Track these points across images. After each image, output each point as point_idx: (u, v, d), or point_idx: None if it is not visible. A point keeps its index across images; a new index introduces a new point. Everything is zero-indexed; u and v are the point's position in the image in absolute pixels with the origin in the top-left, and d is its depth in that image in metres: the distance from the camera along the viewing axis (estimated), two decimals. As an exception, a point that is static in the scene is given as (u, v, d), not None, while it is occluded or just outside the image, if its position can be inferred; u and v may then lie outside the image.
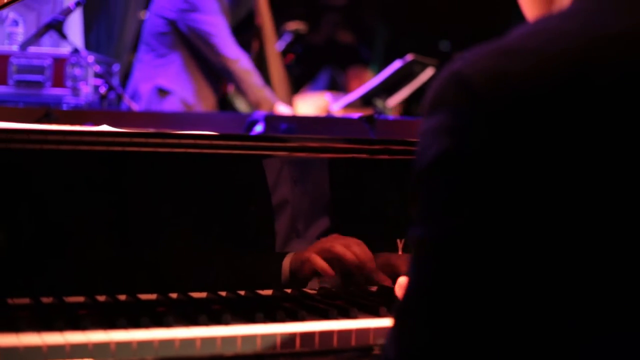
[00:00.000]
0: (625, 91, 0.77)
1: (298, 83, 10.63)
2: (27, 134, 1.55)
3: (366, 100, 4.14)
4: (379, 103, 4.08)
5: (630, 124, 0.76)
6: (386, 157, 1.79)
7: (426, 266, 0.82)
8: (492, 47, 0.82)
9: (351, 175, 1.83)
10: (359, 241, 1.71)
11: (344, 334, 1.52)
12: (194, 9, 4.02)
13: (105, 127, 1.79)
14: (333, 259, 1.68)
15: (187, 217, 1.67)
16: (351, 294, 1.72)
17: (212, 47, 4.01)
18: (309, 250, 1.68)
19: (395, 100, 4.25)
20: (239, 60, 4.01)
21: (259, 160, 1.71)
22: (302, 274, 1.68)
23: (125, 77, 5.22)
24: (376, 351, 1.51)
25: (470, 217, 0.78)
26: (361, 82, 7.43)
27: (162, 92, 4.03)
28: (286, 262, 1.69)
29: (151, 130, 1.67)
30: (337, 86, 10.04)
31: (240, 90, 4.15)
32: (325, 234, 1.74)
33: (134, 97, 4.04)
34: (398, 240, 1.75)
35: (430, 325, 0.81)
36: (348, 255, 1.68)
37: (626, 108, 0.77)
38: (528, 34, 0.82)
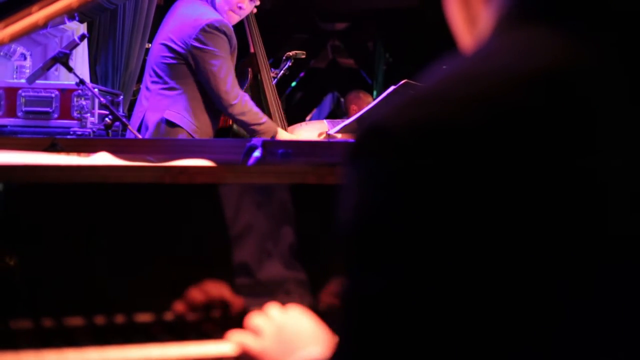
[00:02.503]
0: (530, 130, 0.79)
1: (304, 108, 10.76)
2: (22, 170, 1.65)
3: (362, 124, 4.24)
4: (374, 127, 4.17)
5: (532, 160, 0.78)
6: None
7: (350, 327, 0.83)
8: (409, 96, 0.82)
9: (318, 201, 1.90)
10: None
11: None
12: (205, 49, 4.08)
13: (103, 155, 1.90)
14: None
15: (185, 243, 1.77)
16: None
17: (215, 89, 4.07)
18: None
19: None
20: (238, 104, 4.10)
21: (254, 189, 1.80)
22: None
23: (132, 106, 5.34)
24: None
25: (394, 272, 0.79)
26: (361, 107, 7.55)
27: (170, 124, 4.10)
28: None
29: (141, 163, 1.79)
30: (341, 110, 10.14)
31: (242, 127, 4.25)
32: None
33: (142, 125, 4.10)
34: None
35: None
36: None
37: (530, 146, 0.79)
38: (443, 80, 0.84)
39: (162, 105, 4.09)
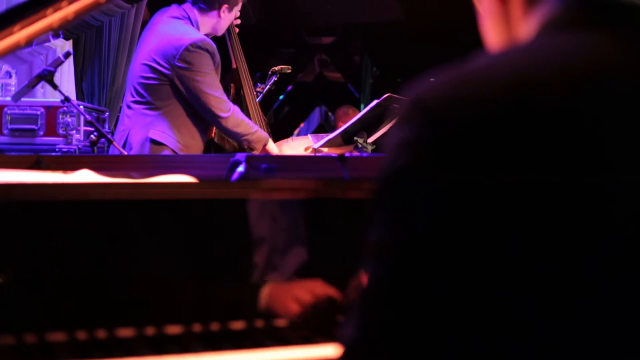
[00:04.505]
0: (559, 120, 0.87)
1: (291, 121, 10.77)
2: (7, 188, 1.67)
3: (348, 138, 4.27)
4: (360, 140, 4.21)
5: (561, 145, 0.86)
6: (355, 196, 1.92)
7: (383, 264, 0.91)
8: (451, 74, 0.92)
9: (324, 215, 1.94)
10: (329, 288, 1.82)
11: None
12: (190, 68, 4.10)
13: (85, 172, 1.92)
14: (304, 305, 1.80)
15: (164, 260, 1.79)
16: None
17: (206, 105, 4.09)
18: (288, 295, 1.80)
19: (376, 137, 4.39)
20: (230, 117, 4.13)
21: (235, 204, 1.83)
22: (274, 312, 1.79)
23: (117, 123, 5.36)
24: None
25: (425, 222, 0.88)
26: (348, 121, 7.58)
27: (155, 142, 4.11)
28: (264, 294, 1.80)
29: (128, 180, 1.81)
30: (330, 124, 10.17)
31: (234, 140, 4.27)
32: (299, 270, 1.85)
33: (126, 144, 4.12)
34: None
35: (380, 316, 0.90)
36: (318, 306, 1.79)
37: (558, 134, 0.86)
38: (484, 64, 0.93)
39: (145, 124, 4.10)
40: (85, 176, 1.96)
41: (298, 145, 4.72)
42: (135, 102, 4.15)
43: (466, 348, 0.88)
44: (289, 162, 3.25)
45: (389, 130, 0.98)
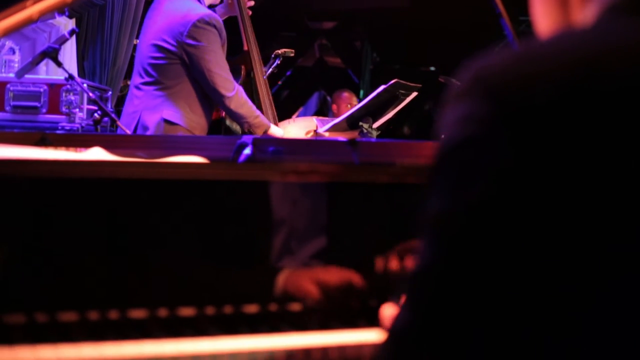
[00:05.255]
0: (627, 102, 0.86)
1: (290, 106, 10.74)
2: (19, 164, 1.65)
3: (353, 123, 4.24)
4: (365, 126, 4.18)
5: (628, 130, 0.86)
6: (372, 181, 1.90)
7: (443, 237, 0.90)
8: (514, 51, 0.92)
9: (339, 198, 1.92)
10: (350, 273, 1.80)
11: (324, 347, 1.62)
12: (198, 45, 4.07)
13: (97, 150, 1.89)
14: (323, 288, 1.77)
15: (179, 239, 1.76)
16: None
17: (211, 83, 4.07)
18: (303, 278, 1.78)
19: (381, 123, 4.37)
20: (235, 96, 4.10)
21: (248, 185, 1.81)
22: (292, 293, 1.77)
23: (119, 102, 5.32)
24: None
25: (486, 195, 0.87)
26: (346, 105, 7.55)
27: (169, 123, 4.08)
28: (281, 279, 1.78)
29: (144, 159, 1.79)
30: (328, 109, 10.14)
31: (235, 121, 4.24)
32: (315, 254, 1.83)
33: (138, 126, 4.08)
34: (381, 259, 1.84)
35: (442, 294, 0.88)
36: (336, 289, 1.77)
37: (627, 117, 0.86)
38: (547, 43, 0.92)
39: (158, 106, 4.07)
40: (97, 155, 1.93)
41: (300, 127, 4.69)
42: (145, 83, 4.12)
43: (524, 333, 0.87)
44: (296, 146, 3.22)
45: (446, 105, 0.94)
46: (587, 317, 0.86)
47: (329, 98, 9.80)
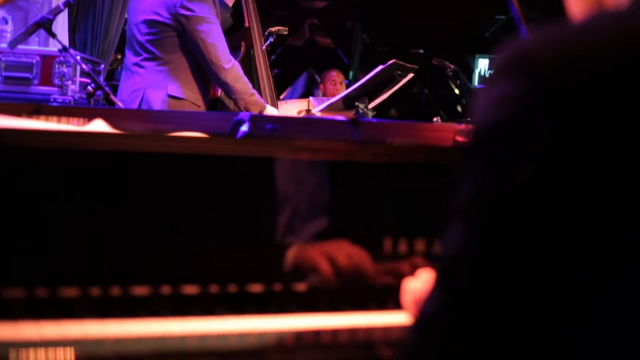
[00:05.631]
0: None
1: (279, 85, 10.68)
2: (20, 134, 1.60)
3: (349, 103, 4.21)
4: (361, 106, 4.15)
5: None
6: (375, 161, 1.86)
7: (478, 221, 0.87)
8: (553, 30, 0.89)
9: (347, 177, 1.88)
10: (359, 253, 1.76)
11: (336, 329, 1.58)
12: (192, 15, 4.01)
13: (99, 123, 1.85)
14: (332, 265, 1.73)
15: (182, 215, 1.72)
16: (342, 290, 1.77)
17: (206, 55, 4.00)
18: (313, 252, 1.74)
19: (376, 103, 4.33)
20: (231, 69, 4.04)
21: (253, 161, 1.77)
22: (300, 271, 1.73)
23: (108, 76, 5.26)
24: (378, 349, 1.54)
25: (526, 177, 0.84)
26: (332, 84, 7.51)
27: (175, 99, 4.03)
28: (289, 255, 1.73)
29: (151, 131, 1.74)
30: (316, 88, 10.09)
31: (230, 97, 4.18)
32: (321, 234, 1.79)
33: (142, 103, 4.02)
34: (389, 240, 1.81)
35: (475, 280, 0.86)
36: (345, 267, 1.73)
37: None
38: (587, 23, 0.90)
39: (162, 81, 4.02)
40: (99, 127, 1.89)
41: (292, 108, 4.66)
42: (146, 59, 4.06)
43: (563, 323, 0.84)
44: (294, 124, 3.18)
45: (483, 84, 0.92)
46: (605, 305, 0.84)
47: (317, 78, 9.76)
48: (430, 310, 0.89)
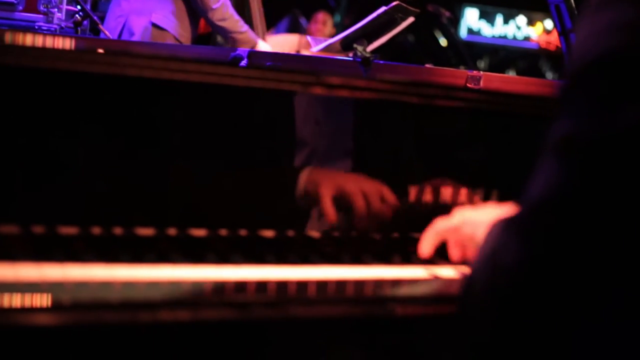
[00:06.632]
0: None
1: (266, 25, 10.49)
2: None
3: (347, 44, 4.05)
4: (359, 48, 3.99)
5: None
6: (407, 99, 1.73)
7: (574, 163, 0.76)
8: None
9: (370, 116, 1.76)
10: (380, 188, 1.64)
11: (359, 282, 1.46)
12: None
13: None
14: (345, 200, 1.62)
15: (189, 149, 1.59)
16: (358, 240, 1.65)
17: None
18: (325, 182, 1.60)
19: (375, 46, 4.18)
20: (219, 9, 3.90)
21: (269, 93, 1.64)
22: (310, 200, 1.61)
23: (93, 6, 5.06)
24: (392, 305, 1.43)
25: (636, 116, 0.73)
26: (324, 28, 7.34)
27: (158, 28, 3.88)
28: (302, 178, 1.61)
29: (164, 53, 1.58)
30: (298, 31, 9.91)
31: (220, 35, 4.06)
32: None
33: (123, 30, 3.87)
34: (411, 186, 1.70)
35: (570, 228, 0.75)
36: (360, 204, 1.61)
37: None
38: None
39: (147, 9, 3.88)
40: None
41: (283, 43, 4.50)
42: None
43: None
44: (294, 62, 3.04)
45: (587, 13, 0.79)
46: None
47: (301, 20, 9.57)
48: (513, 259, 0.77)
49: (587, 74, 0.77)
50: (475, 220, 1.34)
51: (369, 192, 1.62)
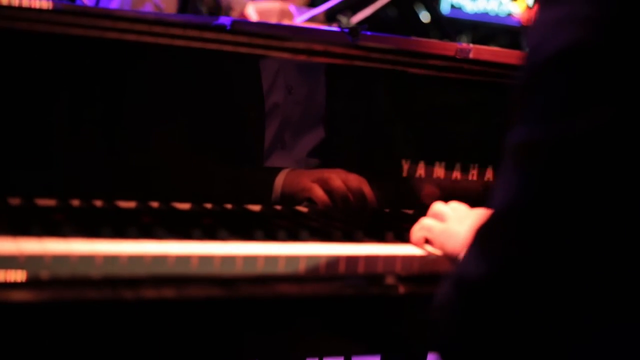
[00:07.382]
0: None
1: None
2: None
3: (331, 16, 3.98)
4: (343, 20, 3.92)
5: None
6: (390, 67, 1.67)
7: (533, 171, 0.71)
8: None
9: (349, 85, 1.70)
10: (361, 179, 1.58)
11: (351, 259, 1.40)
12: None
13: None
14: (329, 192, 1.56)
15: (172, 117, 1.53)
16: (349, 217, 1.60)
17: None
18: (307, 178, 1.55)
19: (360, 18, 4.11)
20: None
21: (249, 59, 1.57)
22: (295, 197, 1.56)
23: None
24: (388, 280, 1.38)
25: (598, 117, 0.68)
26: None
27: None
28: (279, 180, 1.56)
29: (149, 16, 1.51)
30: None
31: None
32: (314, 149, 1.63)
33: None
34: (403, 161, 1.64)
35: (529, 239, 0.70)
36: (343, 194, 1.56)
37: None
38: None
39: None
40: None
41: (266, 10, 4.42)
42: None
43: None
44: (280, 31, 2.97)
45: (542, 3, 0.74)
46: None
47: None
48: (472, 275, 0.74)
49: (544, 73, 0.72)
50: (451, 231, 1.35)
51: (352, 181, 1.58)
